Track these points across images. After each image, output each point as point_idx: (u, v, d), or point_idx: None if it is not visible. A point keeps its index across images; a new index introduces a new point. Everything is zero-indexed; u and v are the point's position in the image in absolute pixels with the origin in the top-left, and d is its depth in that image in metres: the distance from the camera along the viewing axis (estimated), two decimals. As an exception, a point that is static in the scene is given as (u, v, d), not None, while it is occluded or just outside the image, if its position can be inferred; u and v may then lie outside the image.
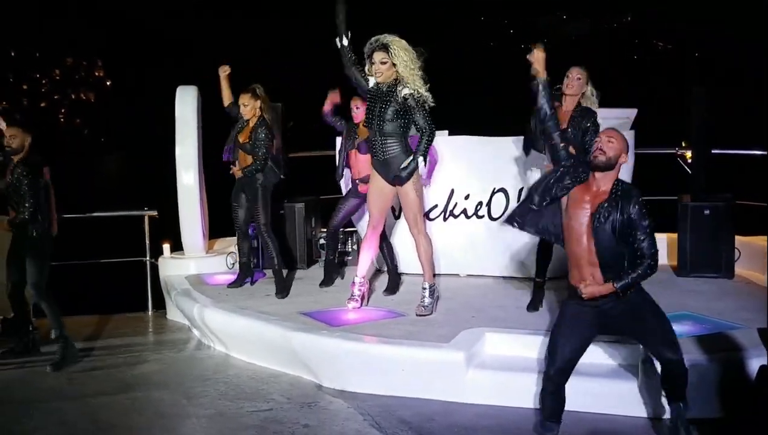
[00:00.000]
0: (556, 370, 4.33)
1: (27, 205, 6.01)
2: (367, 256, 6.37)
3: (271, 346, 5.92)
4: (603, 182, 4.28)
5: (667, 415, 4.64)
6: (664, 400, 4.63)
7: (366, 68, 6.06)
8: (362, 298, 6.38)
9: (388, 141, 5.99)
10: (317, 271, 7.99)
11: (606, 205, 4.22)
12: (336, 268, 7.51)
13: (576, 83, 5.98)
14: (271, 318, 6.11)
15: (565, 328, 4.38)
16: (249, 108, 6.98)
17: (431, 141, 5.96)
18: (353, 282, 6.38)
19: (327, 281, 7.29)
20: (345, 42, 5.98)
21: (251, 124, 7.02)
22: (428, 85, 5.96)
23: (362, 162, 6.98)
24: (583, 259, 4.28)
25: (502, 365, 5.24)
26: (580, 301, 4.33)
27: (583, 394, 4.83)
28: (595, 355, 5.07)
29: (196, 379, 5.84)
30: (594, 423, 4.79)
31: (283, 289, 6.94)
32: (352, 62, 6.03)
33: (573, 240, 4.32)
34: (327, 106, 7.31)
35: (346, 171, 7.38)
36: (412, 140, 6.14)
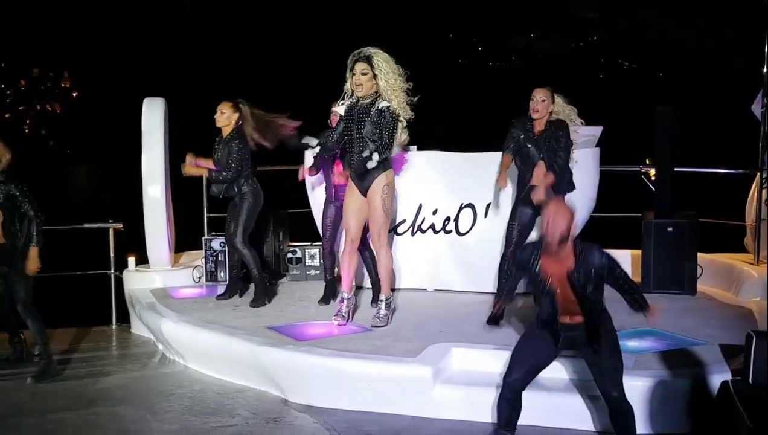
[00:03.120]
0: (514, 380, 4.47)
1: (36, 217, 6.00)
2: (350, 271, 6.36)
3: (237, 360, 5.87)
4: (564, 252, 4.36)
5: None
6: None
7: (346, 84, 6.12)
8: (349, 315, 6.36)
9: (366, 153, 5.99)
10: (285, 285, 7.97)
11: (575, 271, 4.34)
12: (333, 286, 7.22)
13: (541, 105, 6.11)
14: (237, 332, 6.07)
15: (530, 346, 4.52)
16: (225, 117, 6.97)
17: (386, 151, 5.97)
18: (341, 298, 6.39)
19: (326, 300, 7.11)
20: (314, 142, 6.23)
21: (224, 135, 7.01)
22: (410, 98, 6.06)
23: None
24: (561, 309, 4.42)
25: (470, 380, 5.25)
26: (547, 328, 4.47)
27: (542, 409, 4.89)
28: (552, 369, 5.12)
29: (160, 394, 5.77)
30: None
31: (259, 298, 6.91)
32: (333, 141, 6.20)
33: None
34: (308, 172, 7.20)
35: (320, 178, 7.30)
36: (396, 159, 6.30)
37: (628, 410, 4.38)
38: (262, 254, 8.00)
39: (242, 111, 6.97)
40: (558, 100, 6.26)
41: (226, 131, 7.01)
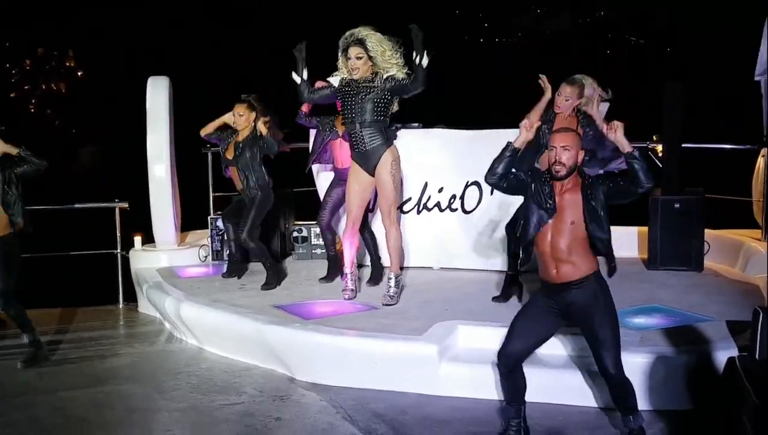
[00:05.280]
0: (506, 354, 4.38)
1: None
2: (352, 251, 6.45)
3: (244, 339, 5.89)
4: (569, 181, 4.31)
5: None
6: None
7: (339, 63, 6.14)
8: (356, 288, 6.49)
9: (368, 132, 6.04)
10: (291, 263, 7.98)
11: (588, 199, 4.24)
12: (337, 262, 7.28)
13: (564, 105, 5.98)
14: (244, 311, 6.08)
15: (526, 320, 4.41)
16: (244, 118, 6.95)
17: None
18: (345, 274, 6.47)
19: (329, 278, 7.15)
20: (305, 76, 6.18)
21: (241, 138, 6.99)
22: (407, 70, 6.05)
23: (347, 150, 6.94)
24: (546, 255, 4.30)
25: (475, 358, 5.25)
26: (546, 295, 4.37)
27: (544, 386, 4.91)
28: (554, 346, 5.14)
29: (168, 372, 5.81)
30: (567, 414, 4.84)
31: (270, 283, 6.90)
32: (310, 92, 6.25)
33: (539, 237, 4.33)
34: (306, 108, 7.16)
35: (324, 162, 7.33)
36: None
37: (627, 383, 4.32)
38: (269, 234, 7.99)
39: (257, 108, 6.96)
40: (587, 89, 6.01)
41: (245, 133, 6.99)
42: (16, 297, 5.98)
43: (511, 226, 6.21)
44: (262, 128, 6.83)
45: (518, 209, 6.20)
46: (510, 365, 4.39)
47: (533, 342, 4.44)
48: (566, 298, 4.30)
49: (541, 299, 4.44)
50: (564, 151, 4.24)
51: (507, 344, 4.40)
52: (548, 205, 4.29)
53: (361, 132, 6.05)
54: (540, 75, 6.17)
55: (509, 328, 4.47)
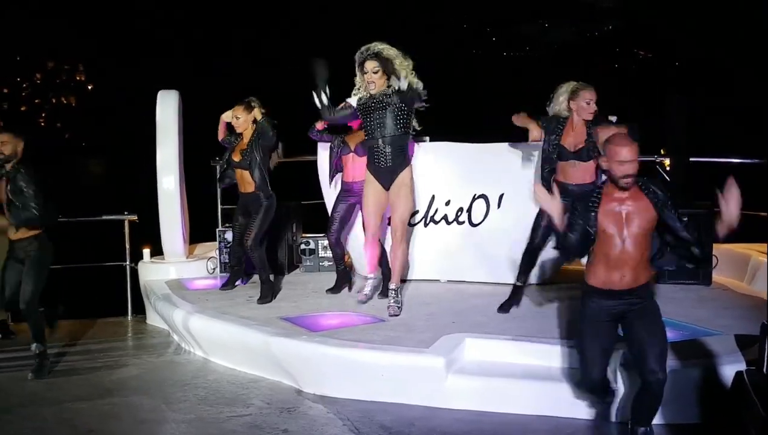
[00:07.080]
0: (593, 381, 4.44)
1: (34, 204, 5.78)
2: (374, 257, 6.58)
3: (251, 351, 5.90)
4: (632, 191, 4.27)
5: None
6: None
7: (357, 80, 6.26)
8: (373, 294, 6.67)
9: (391, 148, 6.14)
10: (298, 276, 7.99)
11: (660, 207, 4.27)
12: (346, 275, 7.33)
13: (591, 109, 6.01)
14: (252, 323, 6.09)
15: (595, 341, 4.38)
16: (242, 120, 6.93)
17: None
18: (365, 278, 6.70)
19: (337, 289, 7.17)
20: (325, 100, 6.22)
21: (245, 139, 6.98)
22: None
23: (359, 165, 6.95)
24: (614, 261, 4.25)
25: (482, 371, 5.25)
26: (602, 305, 4.32)
27: (556, 400, 4.89)
28: (567, 359, 5.13)
29: (175, 384, 5.82)
30: (577, 428, 4.83)
31: (266, 296, 6.91)
32: (333, 111, 6.30)
33: (607, 245, 4.26)
34: (321, 125, 7.15)
35: (336, 176, 7.36)
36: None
37: (661, 396, 4.28)
38: (276, 247, 8.02)
39: (257, 109, 6.95)
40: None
41: (248, 134, 6.97)
42: (37, 305, 5.99)
43: (532, 238, 6.24)
44: (257, 114, 6.88)
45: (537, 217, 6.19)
46: (599, 388, 4.52)
47: (608, 359, 4.48)
48: (625, 304, 4.29)
49: (598, 312, 4.35)
50: (632, 165, 4.19)
51: (589, 373, 4.43)
52: (592, 235, 4.29)
53: (384, 148, 6.13)
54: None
55: (582, 355, 4.45)
